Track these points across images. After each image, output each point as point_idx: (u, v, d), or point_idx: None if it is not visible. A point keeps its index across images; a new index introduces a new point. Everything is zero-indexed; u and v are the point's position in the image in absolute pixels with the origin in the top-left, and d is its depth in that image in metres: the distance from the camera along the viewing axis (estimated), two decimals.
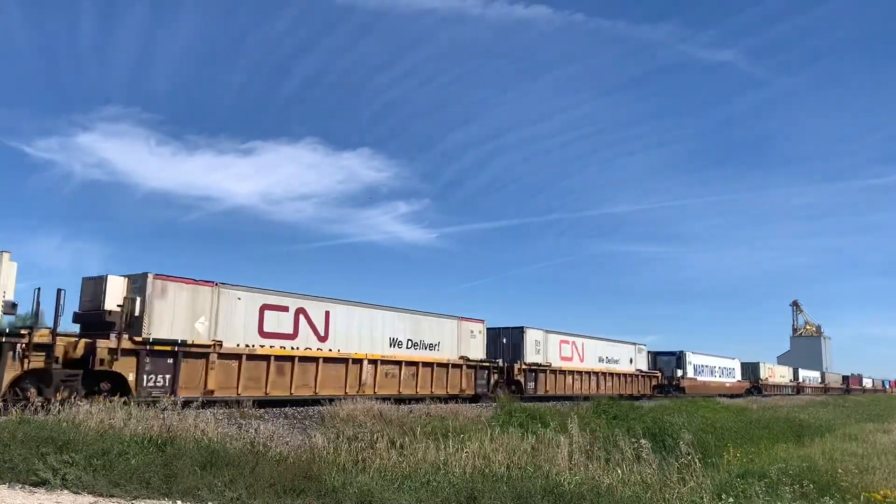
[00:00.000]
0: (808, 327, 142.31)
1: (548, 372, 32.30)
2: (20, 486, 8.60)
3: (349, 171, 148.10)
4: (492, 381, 27.98)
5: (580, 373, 35.19)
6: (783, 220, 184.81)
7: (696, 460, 12.97)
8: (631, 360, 41.08)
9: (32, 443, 9.85)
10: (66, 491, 8.60)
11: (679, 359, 47.90)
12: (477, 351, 27.86)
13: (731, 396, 49.20)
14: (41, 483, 8.67)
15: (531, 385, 30.72)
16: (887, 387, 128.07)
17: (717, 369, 53.69)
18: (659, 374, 44.77)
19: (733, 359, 57.94)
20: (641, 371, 42.17)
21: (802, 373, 79.42)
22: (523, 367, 30.34)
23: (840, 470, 15.45)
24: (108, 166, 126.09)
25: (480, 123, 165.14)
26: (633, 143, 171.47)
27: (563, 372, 33.75)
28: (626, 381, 40.02)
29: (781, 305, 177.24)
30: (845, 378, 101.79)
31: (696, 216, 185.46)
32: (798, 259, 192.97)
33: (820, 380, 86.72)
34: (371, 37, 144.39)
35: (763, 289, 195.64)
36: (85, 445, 9.94)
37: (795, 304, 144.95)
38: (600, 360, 37.86)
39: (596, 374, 36.77)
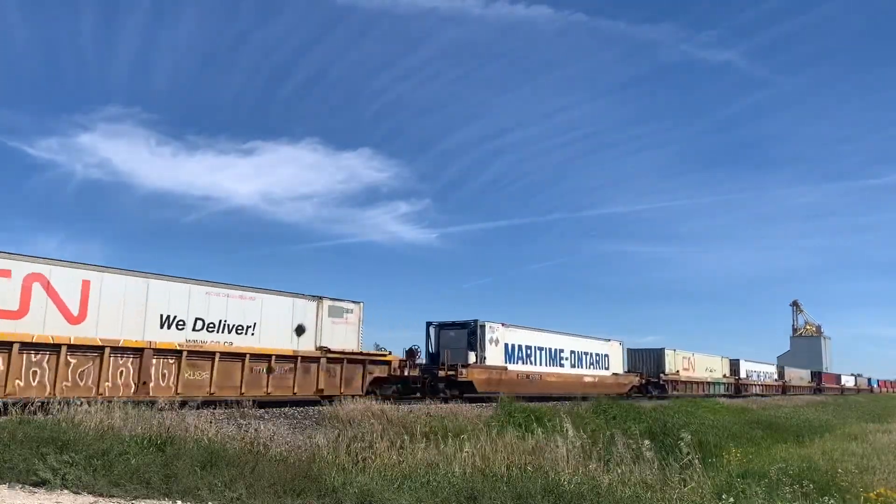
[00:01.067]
0: (808, 327, 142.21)
1: None
2: (20, 486, 8.61)
3: (349, 171, 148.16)
4: None
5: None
6: (783, 220, 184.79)
7: (697, 460, 12.98)
8: (300, 331, 20.85)
9: (32, 443, 9.87)
10: (66, 491, 8.61)
11: (473, 334, 27.49)
12: None
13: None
14: (41, 483, 8.68)
15: None
16: (875, 386, 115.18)
17: (565, 354, 33.85)
18: (392, 360, 24.15)
19: (608, 340, 38.61)
20: (348, 354, 22.17)
21: (746, 366, 58.76)
22: None
23: (840, 470, 15.45)
24: (108, 166, 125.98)
25: (480, 123, 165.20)
26: (633, 143, 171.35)
27: None
28: (276, 372, 19.86)
29: (781, 305, 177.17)
30: (815, 375, 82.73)
31: (697, 216, 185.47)
32: (798, 259, 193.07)
33: (776, 376, 66.60)
34: (371, 37, 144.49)
35: (763, 289, 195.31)
36: (85, 445, 9.96)
37: (795, 304, 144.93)
38: (166, 323, 17.41)
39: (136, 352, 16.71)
